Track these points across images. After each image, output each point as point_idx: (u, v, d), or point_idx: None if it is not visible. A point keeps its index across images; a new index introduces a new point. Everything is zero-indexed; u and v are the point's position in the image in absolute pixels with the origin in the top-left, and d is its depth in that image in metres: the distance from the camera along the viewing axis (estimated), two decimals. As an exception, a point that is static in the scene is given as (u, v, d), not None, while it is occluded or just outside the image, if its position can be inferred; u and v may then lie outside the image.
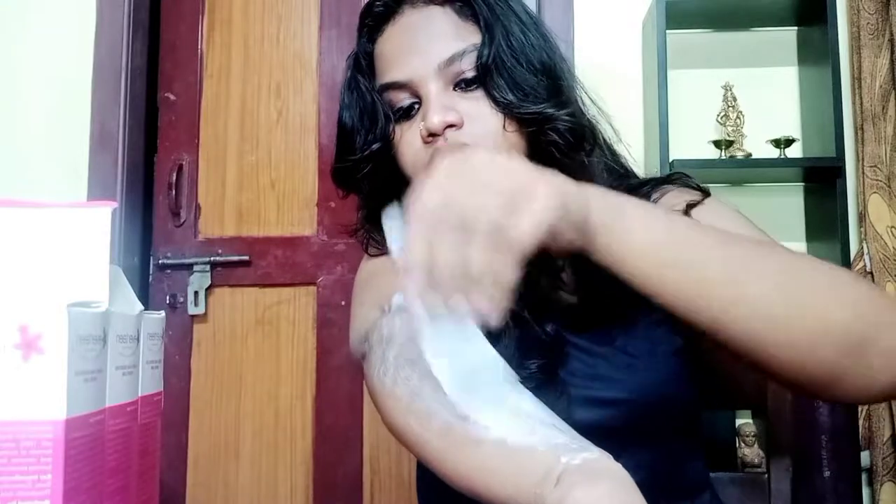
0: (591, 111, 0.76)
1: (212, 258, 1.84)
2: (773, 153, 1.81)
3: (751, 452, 1.66)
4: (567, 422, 0.67)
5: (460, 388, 0.56)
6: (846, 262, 1.67)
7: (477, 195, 0.47)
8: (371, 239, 0.80)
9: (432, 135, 0.69)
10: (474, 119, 0.70)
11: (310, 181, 1.88)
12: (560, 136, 0.70)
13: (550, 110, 0.69)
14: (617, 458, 0.70)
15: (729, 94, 1.86)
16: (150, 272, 1.87)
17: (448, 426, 0.54)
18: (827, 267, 0.55)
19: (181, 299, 1.85)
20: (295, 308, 1.85)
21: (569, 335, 0.70)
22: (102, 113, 1.82)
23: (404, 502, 1.76)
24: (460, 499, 0.70)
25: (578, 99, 0.75)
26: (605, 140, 0.77)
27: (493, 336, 0.69)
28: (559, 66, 0.73)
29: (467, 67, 0.70)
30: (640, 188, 0.77)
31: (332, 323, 1.83)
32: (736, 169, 1.80)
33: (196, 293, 1.83)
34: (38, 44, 1.87)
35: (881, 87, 1.77)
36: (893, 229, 1.75)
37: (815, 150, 1.79)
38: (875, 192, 1.76)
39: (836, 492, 1.27)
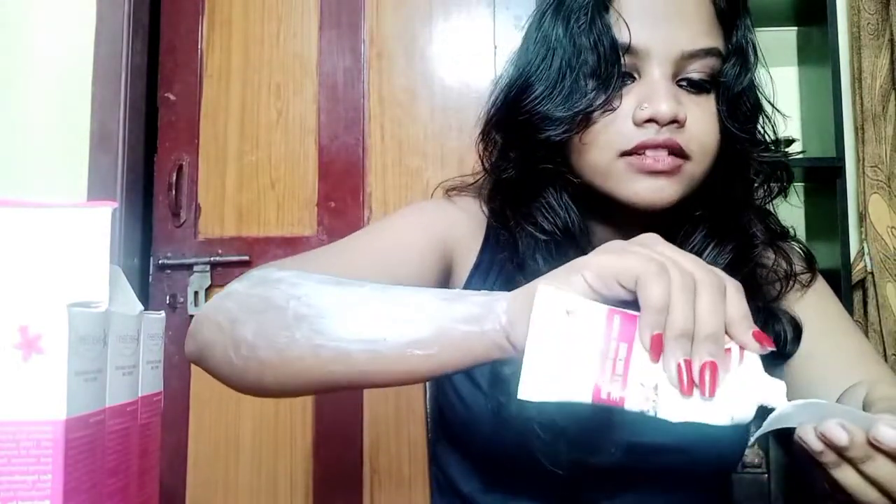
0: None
1: (212, 258, 1.84)
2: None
3: (751, 452, 1.66)
4: (615, 466, 0.66)
5: None
6: (846, 262, 1.67)
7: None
8: (494, 201, 0.72)
9: (651, 121, 0.63)
10: (698, 126, 0.64)
11: (310, 181, 1.88)
12: (758, 171, 0.69)
13: (765, 141, 0.68)
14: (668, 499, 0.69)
15: (729, 94, 1.86)
16: (150, 272, 1.87)
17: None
18: None
19: (181, 299, 1.85)
20: (295, 308, 1.85)
21: None
22: (102, 113, 1.82)
23: (404, 501, 1.76)
24: (476, 469, 0.69)
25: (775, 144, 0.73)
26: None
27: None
28: (762, 105, 0.71)
29: (701, 69, 0.64)
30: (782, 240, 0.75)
31: (332, 323, 1.83)
32: (736, 169, 1.80)
33: (196, 293, 1.83)
34: (39, 44, 1.86)
35: (881, 87, 1.77)
36: (893, 229, 1.75)
37: (815, 150, 1.79)
38: (875, 192, 1.76)
39: (835, 492, 1.27)
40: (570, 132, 0.64)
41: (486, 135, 0.72)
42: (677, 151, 0.63)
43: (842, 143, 1.69)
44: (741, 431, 0.69)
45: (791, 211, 1.87)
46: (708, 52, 0.64)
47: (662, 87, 0.62)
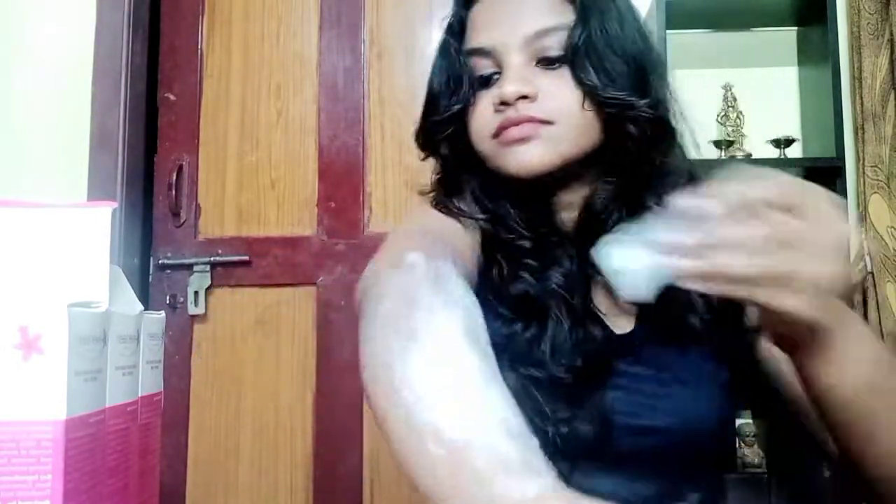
0: (676, 117, 0.76)
1: (212, 258, 1.84)
2: (773, 153, 1.81)
3: (751, 452, 1.66)
4: (607, 447, 0.67)
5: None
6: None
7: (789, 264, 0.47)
8: (440, 203, 0.79)
9: (504, 103, 0.70)
10: (551, 95, 0.70)
11: (310, 181, 1.88)
12: (638, 127, 0.70)
13: (632, 98, 0.69)
14: (647, 485, 0.70)
15: (729, 94, 1.86)
16: (150, 272, 1.87)
17: (407, 409, 0.48)
18: None
19: (181, 299, 1.84)
20: (295, 308, 1.85)
21: (619, 361, 0.70)
22: (102, 113, 1.82)
23: (404, 502, 1.76)
24: None
25: (667, 100, 0.74)
26: (682, 147, 0.78)
27: (542, 330, 0.68)
28: (651, 64, 0.73)
29: (554, 45, 0.70)
30: None
31: (332, 323, 1.83)
32: (736, 169, 1.80)
33: (196, 293, 1.83)
34: (39, 44, 1.87)
35: (881, 86, 1.77)
36: (893, 229, 1.75)
37: (815, 150, 1.79)
38: (875, 192, 1.76)
39: (836, 492, 1.27)
40: (449, 129, 0.75)
41: (422, 147, 0.82)
42: (534, 121, 0.70)
43: (842, 143, 1.69)
44: (718, 404, 0.71)
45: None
46: (550, 30, 0.70)
47: (509, 72, 0.70)
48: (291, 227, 1.88)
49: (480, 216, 0.75)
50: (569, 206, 0.76)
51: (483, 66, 0.73)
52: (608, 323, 0.72)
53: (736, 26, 1.91)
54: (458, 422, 0.45)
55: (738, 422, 1.71)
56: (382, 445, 1.83)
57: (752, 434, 1.67)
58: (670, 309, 0.70)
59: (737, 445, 1.70)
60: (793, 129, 1.86)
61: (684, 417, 0.68)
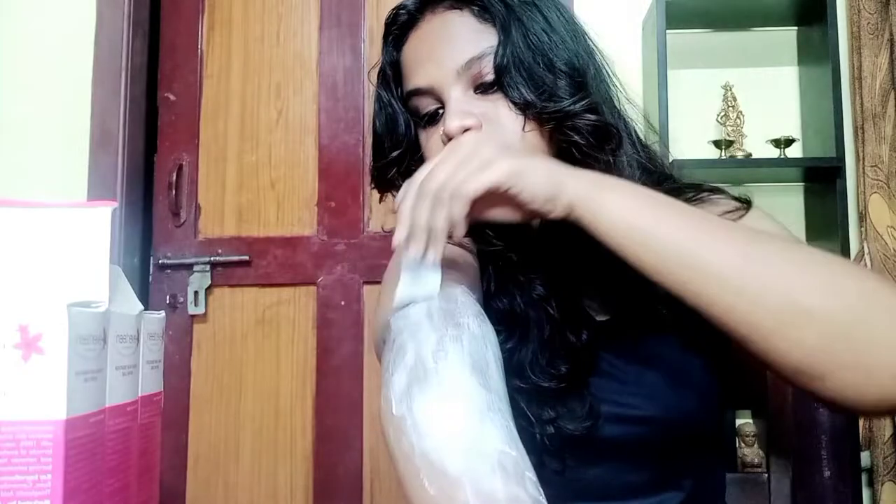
0: (626, 111, 0.76)
1: (212, 258, 1.84)
2: (773, 153, 1.81)
3: (751, 452, 1.66)
4: (594, 438, 0.67)
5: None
6: (846, 262, 1.67)
7: (452, 169, 0.56)
8: None
9: (451, 138, 0.69)
10: (492, 121, 0.69)
11: (310, 181, 1.88)
12: (580, 135, 0.69)
13: (570, 108, 0.68)
14: (638, 473, 0.70)
15: (729, 94, 1.86)
16: (150, 272, 1.87)
17: (410, 446, 0.50)
18: (820, 255, 0.54)
19: (181, 299, 1.85)
20: (295, 308, 1.85)
21: (600, 352, 0.70)
22: (102, 113, 1.82)
23: (404, 502, 1.76)
24: None
25: (613, 98, 0.74)
26: (639, 140, 0.77)
27: (524, 341, 0.69)
28: (585, 64, 0.72)
29: (486, 70, 0.70)
30: (683, 192, 0.75)
31: (332, 323, 1.83)
32: (736, 169, 1.81)
33: (196, 293, 1.83)
34: (39, 43, 1.87)
35: (881, 86, 1.77)
36: (893, 229, 1.75)
37: (815, 150, 1.79)
38: (875, 192, 1.76)
39: (836, 492, 1.27)
40: (395, 169, 0.76)
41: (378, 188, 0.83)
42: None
43: (842, 142, 1.69)
44: (702, 389, 0.71)
45: (791, 211, 1.88)
46: (479, 57, 0.70)
47: (449, 108, 0.70)
48: (291, 227, 1.88)
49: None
50: None
51: (425, 105, 0.73)
52: (592, 313, 0.72)
53: (736, 26, 1.91)
54: (453, 459, 0.47)
55: (738, 422, 1.71)
56: (382, 445, 1.83)
57: (752, 434, 1.67)
58: (643, 296, 0.70)
59: (737, 445, 1.70)
60: (793, 129, 1.86)
61: (666, 403, 0.69)
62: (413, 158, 0.76)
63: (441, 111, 0.72)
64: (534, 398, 0.67)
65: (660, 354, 0.71)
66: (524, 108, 0.68)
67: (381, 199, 0.82)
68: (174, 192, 1.87)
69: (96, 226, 0.45)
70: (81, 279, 0.44)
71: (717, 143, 1.82)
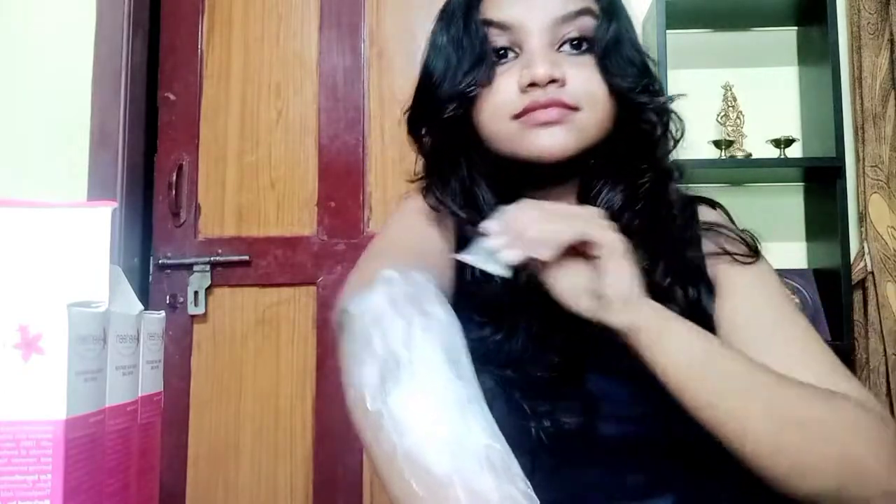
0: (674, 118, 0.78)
1: (212, 258, 1.84)
2: (773, 153, 1.81)
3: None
4: (591, 435, 0.67)
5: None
6: (846, 262, 1.67)
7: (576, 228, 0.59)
8: (429, 192, 0.79)
9: (533, 84, 0.69)
10: (579, 81, 0.70)
11: (310, 181, 1.88)
12: (651, 124, 0.72)
13: (646, 98, 0.71)
14: (640, 474, 0.70)
15: (729, 94, 1.86)
16: (150, 272, 1.87)
17: (392, 446, 0.48)
18: (851, 422, 0.59)
19: (181, 299, 1.85)
20: (295, 308, 1.85)
21: (595, 347, 0.69)
22: (102, 113, 1.82)
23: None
24: None
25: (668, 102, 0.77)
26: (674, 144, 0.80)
27: (514, 331, 0.69)
28: (652, 68, 0.75)
29: (576, 31, 0.70)
30: (693, 205, 0.79)
31: (332, 323, 1.82)
32: (736, 169, 1.81)
33: (196, 293, 1.83)
34: (39, 44, 1.87)
35: (881, 86, 1.77)
36: (893, 229, 1.75)
37: (815, 150, 1.79)
38: (875, 192, 1.76)
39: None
40: (461, 108, 0.73)
41: (410, 134, 0.83)
42: (563, 105, 0.69)
43: (842, 142, 1.69)
44: None
45: (791, 210, 1.88)
46: (578, 13, 0.70)
47: (539, 54, 0.69)
48: (291, 227, 1.88)
49: (461, 213, 0.74)
50: (560, 191, 0.76)
51: (497, 41, 0.71)
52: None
53: (736, 26, 1.91)
54: (439, 457, 0.46)
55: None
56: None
57: (752, 434, 1.67)
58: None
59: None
60: (793, 129, 1.86)
61: (665, 401, 0.68)
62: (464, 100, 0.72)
63: (511, 53, 0.71)
64: (528, 391, 0.67)
65: None
66: (617, 82, 0.70)
67: (417, 147, 0.81)
68: (174, 192, 1.87)
69: (96, 226, 0.45)
70: (81, 279, 0.44)
71: (717, 143, 1.82)
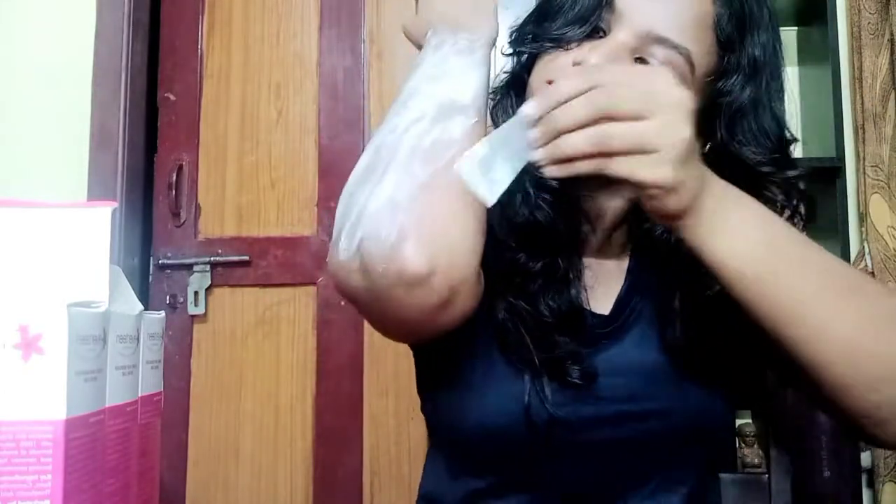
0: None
1: (212, 258, 1.84)
2: (774, 153, 1.81)
3: (751, 452, 1.66)
4: (602, 437, 0.67)
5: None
6: (846, 262, 1.67)
7: (637, 130, 0.49)
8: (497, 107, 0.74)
9: (578, 64, 0.63)
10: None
11: (310, 181, 1.88)
12: (771, 202, 0.66)
13: (770, 169, 0.68)
14: (650, 476, 0.70)
15: (729, 94, 1.86)
16: (150, 272, 1.87)
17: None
18: None
19: (181, 299, 1.84)
20: (295, 308, 1.85)
21: (601, 349, 0.69)
22: (102, 113, 1.82)
23: (404, 502, 1.76)
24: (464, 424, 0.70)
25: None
26: None
27: (519, 342, 0.67)
28: (788, 136, 0.71)
29: (663, 59, 0.63)
30: None
31: (332, 323, 1.83)
32: (736, 169, 1.80)
33: (196, 293, 1.83)
34: (38, 44, 1.86)
35: (881, 86, 1.77)
36: (893, 229, 1.75)
37: (815, 150, 1.79)
38: (876, 192, 1.76)
39: (836, 492, 1.27)
40: (530, 51, 0.68)
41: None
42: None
43: (842, 142, 1.69)
44: (707, 384, 0.70)
45: (791, 211, 1.88)
46: (674, 47, 0.63)
47: (607, 46, 0.63)
48: (291, 227, 1.88)
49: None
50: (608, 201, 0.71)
51: (584, 8, 0.64)
52: (591, 296, 0.71)
53: (736, 26, 1.91)
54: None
55: (739, 422, 1.71)
56: (382, 445, 1.84)
57: (753, 434, 1.67)
58: (647, 289, 0.70)
59: (737, 445, 1.70)
60: (793, 129, 1.86)
61: (669, 398, 0.68)
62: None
63: (601, 35, 0.64)
64: (536, 337, 0.66)
65: (659, 348, 0.69)
66: (729, 137, 0.66)
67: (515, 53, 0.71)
68: (174, 192, 1.87)
69: (96, 226, 0.45)
70: (81, 279, 0.44)
71: (717, 143, 1.82)
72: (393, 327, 0.62)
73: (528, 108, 0.50)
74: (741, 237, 0.54)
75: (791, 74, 1.88)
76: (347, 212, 0.58)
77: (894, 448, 0.59)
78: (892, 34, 1.77)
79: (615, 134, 0.49)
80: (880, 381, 0.54)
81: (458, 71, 0.60)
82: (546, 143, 0.50)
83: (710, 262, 0.54)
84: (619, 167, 0.49)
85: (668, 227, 0.56)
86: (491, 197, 0.51)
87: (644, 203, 0.53)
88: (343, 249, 0.56)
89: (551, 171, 0.50)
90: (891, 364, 0.54)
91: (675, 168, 0.49)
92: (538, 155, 0.50)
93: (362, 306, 0.60)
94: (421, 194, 0.55)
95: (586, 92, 0.49)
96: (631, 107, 0.49)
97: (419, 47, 0.65)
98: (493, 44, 0.62)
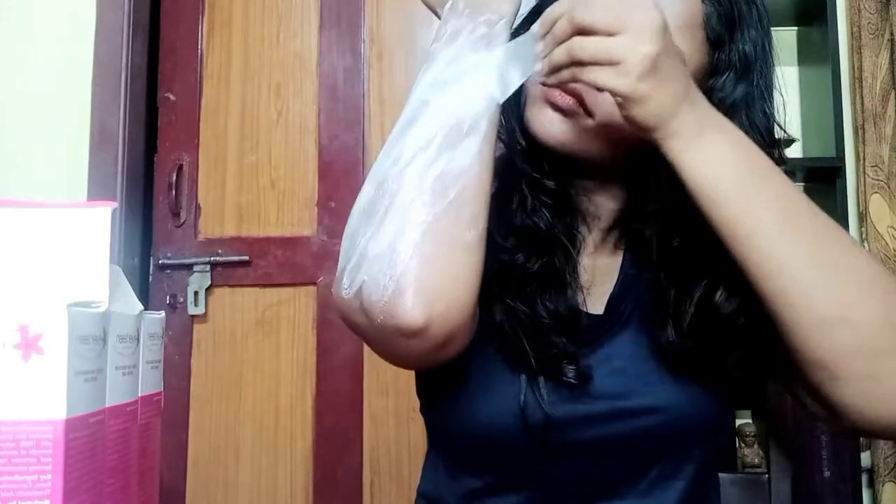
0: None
1: (212, 258, 1.84)
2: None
3: (751, 452, 1.66)
4: (598, 435, 0.67)
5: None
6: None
7: (609, 44, 0.53)
8: None
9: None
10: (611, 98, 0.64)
11: (310, 181, 1.88)
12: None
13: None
14: (645, 473, 0.70)
15: (729, 94, 1.86)
16: (150, 272, 1.87)
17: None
18: (876, 266, 0.57)
19: (181, 299, 1.84)
20: (295, 308, 1.85)
21: (595, 347, 0.69)
22: (102, 113, 1.82)
23: (404, 502, 1.76)
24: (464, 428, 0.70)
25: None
26: None
27: (514, 338, 0.68)
28: (778, 131, 0.71)
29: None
30: None
31: (332, 323, 1.83)
32: (736, 169, 1.80)
33: (196, 293, 1.83)
34: (38, 44, 1.86)
35: (881, 86, 1.77)
36: (893, 229, 1.75)
37: (815, 150, 1.79)
38: (876, 192, 1.76)
39: (836, 492, 1.27)
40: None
41: None
42: (581, 101, 0.64)
43: (842, 142, 1.69)
44: (718, 395, 0.70)
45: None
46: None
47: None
48: (291, 227, 1.88)
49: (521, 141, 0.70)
50: (605, 198, 0.72)
51: None
52: (586, 295, 0.71)
53: (736, 26, 1.91)
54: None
55: (739, 422, 1.71)
56: (382, 445, 1.83)
57: (753, 434, 1.67)
58: (640, 288, 0.71)
59: (737, 445, 1.70)
60: (793, 129, 1.86)
61: (667, 394, 0.68)
62: None
63: None
64: (532, 339, 0.67)
65: (649, 346, 0.69)
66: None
67: None
68: (174, 192, 1.87)
69: (96, 226, 0.45)
70: (81, 279, 0.44)
71: (717, 143, 1.82)
72: (394, 362, 0.64)
73: (535, 27, 0.57)
74: (717, 157, 0.56)
75: (791, 74, 1.90)
76: (349, 253, 0.58)
77: (853, 417, 0.58)
78: (892, 34, 1.78)
79: (586, 47, 0.53)
80: (835, 322, 0.54)
81: (473, 69, 0.58)
82: (545, 57, 0.56)
83: (684, 177, 0.56)
84: (586, 75, 0.54)
85: (644, 137, 0.57)
86: (502, 96, 0.58)
87: (621, 113, 0.56)
88: (345, 289, 0.57)
89: (549, 80, 0.58)
90: (845, 306, 0.54)
91: (638, 79, 0.53)
92: (540, 65, 0.57)
93: (365, 339, 0.61)
94: (422, 241, 0.54)
95: (572, 11, 0.54)
96: (603, 23, 0.53)
97: (434, 12, 0.64)
98: (512, 23, 0.61)
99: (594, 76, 0.54)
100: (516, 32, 0.62)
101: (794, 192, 0.58)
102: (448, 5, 0.62)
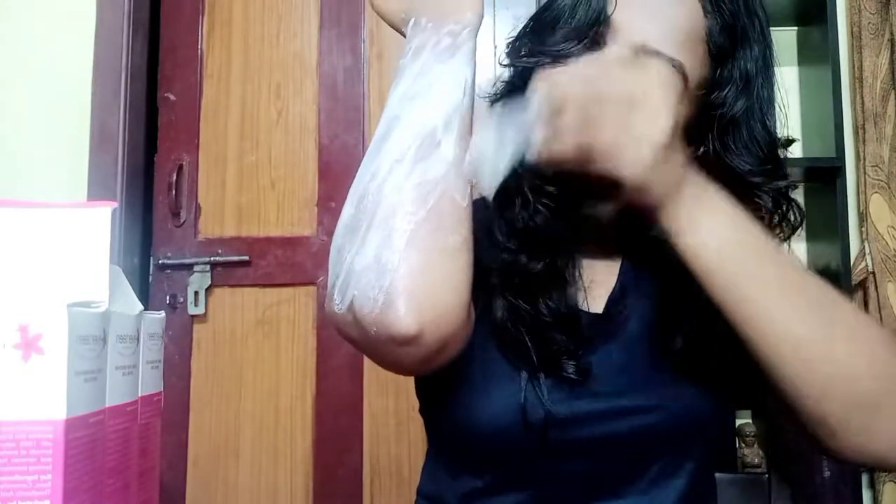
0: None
1: (212, 258, 1.84)
2: (774, 153, 1.81)
3: (751, 452, 1.66)
4: (598, 433, 0.67)
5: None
6: (846, 263, 1.67)
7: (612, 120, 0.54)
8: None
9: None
10: None
11: (310, 181, 1.88)
12: (760, 209, 0.68)
13: (760, 180, 0.68)
14: (645, 471, 0.70)
15: (729, 93, 1.86)
16: (150, 272, 1.87)
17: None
18: (875, 330, 0.59)
19: (181, 299, 1.84)
20: (295, 308, 1.85)
21: (596, 346, 0.69)
22: (102, 113, 1.82)
23: (404, 502, 1.76)
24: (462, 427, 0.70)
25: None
26: None
27: (516, 337, 0.68)
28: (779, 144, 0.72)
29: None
30: None
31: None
32: (736, 169, 1.80)
33: (196, 293, 1.83)
34: (38, 44, 1.86)
35: (881, 86, 1.77)
36: (893, 229, 1.75)
37: (815, 150, 1.79)
38: (876, 192, 1.76)
39: (836, 492, 1.28)
40: (526, 65, 0.68)
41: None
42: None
43: (842, 142, 1.69)
44: (717, 393, 0.70)
45: (791, 211, 1.88)
46: (668, 60, 0.63)
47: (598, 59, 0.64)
48: (291, 227, 1.88)
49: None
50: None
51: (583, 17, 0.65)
52: (587, 295, 0.71)
53: (736, 26, 1.91)
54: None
55: (738, 422, 1.71)
56: (382, 445, 1.83)
57: (752, 434, 1.67)
58: (640, 288, 0.71)
59: (737, 445, 1.70)
60: (793, 129, 1.86)
61: (666, 394, 0.68)
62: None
63: (598, 47, 0.65)
64: (535, 339, 0.67)
65: (650, 345, 0.70)
66: (721, 149, 0.67)
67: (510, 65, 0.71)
68: (174, 192, 1.87)
69: (96, 226, 0.45)
70: (81, 279, 0.44)
71: (717, 143, 1.82)
72: (392, 369, 0.64)
73: (531, 98, 0.55)
74: (713, 234, 0.57)
75: (791, 74, 1.90)
76: (336, 268, 0.58)
77: (852, 461, 0.61)
78: (892, 34, 1.77)
79: (603, 117, 0.54)
80: (830, 388, 0.56)
81: (440, 80, 0.58)
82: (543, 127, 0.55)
83: (682, 253, 0.58)
84: (601, 159, 0.55)
85: (648, 217, 0.59)
86: (491, 191, 0.56)
87: (626, 195, 0.57)
88: (337, 305, 0.57)
89: (547, 156, 0.55)
90: (841, 372, 0.56)
91: (644, 170, 0.55)
92: (535, 138, 0.55)
93: (361, 350, 0.61)
94: (406, 250, 0.54)
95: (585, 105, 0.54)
96: (618, 95, 0.54)
97: (399, 31, 0.64)
98: (478, 30, 0.60)
99: (609, 164, 0.55)
100: (508, 88, 0.64)
101: (788, 264, 0.59)
102: (411, 23, 0.62)
